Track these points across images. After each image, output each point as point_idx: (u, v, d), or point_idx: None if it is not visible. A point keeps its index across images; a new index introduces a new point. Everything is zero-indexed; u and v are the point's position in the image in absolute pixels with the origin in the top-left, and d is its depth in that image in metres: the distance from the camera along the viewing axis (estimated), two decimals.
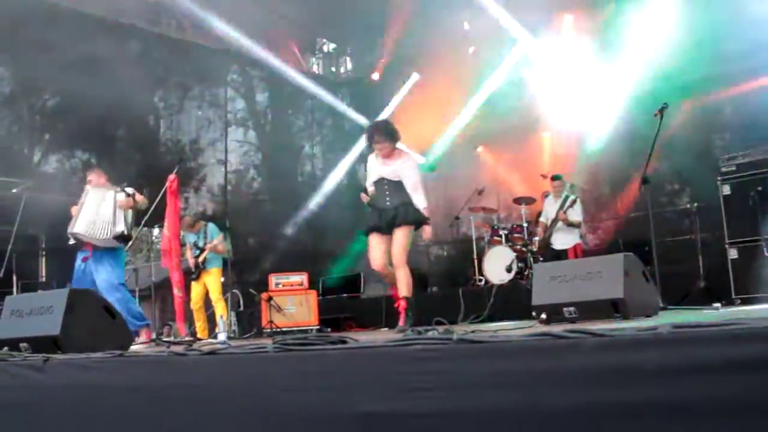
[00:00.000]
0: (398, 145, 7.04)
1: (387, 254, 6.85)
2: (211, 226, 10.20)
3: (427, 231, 6.97)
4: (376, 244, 6.92)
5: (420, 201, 6.85)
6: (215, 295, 9.84)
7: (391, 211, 6.81)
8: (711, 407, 1.81)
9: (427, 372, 2.27)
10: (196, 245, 9.99)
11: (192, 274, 9.86)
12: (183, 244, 9.80)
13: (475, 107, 14.10)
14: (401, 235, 6.76)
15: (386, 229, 6.83)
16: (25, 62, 11.84)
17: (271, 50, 14.82)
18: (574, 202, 9.81)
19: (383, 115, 15.23)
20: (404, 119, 15.35)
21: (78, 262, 7.75)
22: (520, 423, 2.08)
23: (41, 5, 11.48)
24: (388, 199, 6.89)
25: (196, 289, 9.89)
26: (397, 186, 6.88)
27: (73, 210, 7.74)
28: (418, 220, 6.85)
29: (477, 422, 2.16)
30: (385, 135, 6.91)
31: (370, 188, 7.03)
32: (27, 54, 11.61)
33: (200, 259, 9.83)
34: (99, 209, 7.70)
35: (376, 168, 7.04)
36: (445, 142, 14.59)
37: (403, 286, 6.75)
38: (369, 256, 7.02)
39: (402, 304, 6.72)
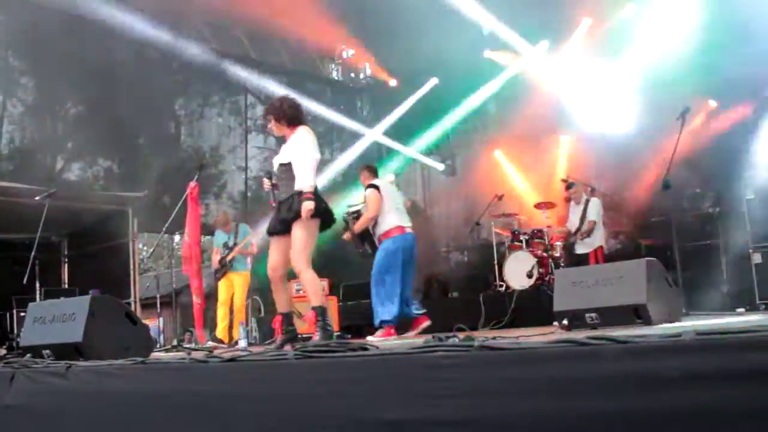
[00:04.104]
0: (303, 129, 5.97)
1: (284, 261, 5.87)
2: (243, 225, 10.04)
3: (304, 207, 5.65)
4: (272, 248, 5.93)
5: (301, 179, 5.72)
6: (240, 302, 9.69)
7: (287, 203, 5.77)
8: (735, 415, 1.78)
9: (449, 379, 2.26)
10: (226, 245, 9.79)
11: (217, 273, 9.67)
12: (204, 250, 9.74)
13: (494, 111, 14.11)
14: (296, 232, 5.68)
15: (281, 228, 5.80)
16: (48, 72, 11.97)
17: (290, 57, 14.90)
18: (587, 202, 9.75)
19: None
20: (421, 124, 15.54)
21: None
22: (543, 430, 2.06)
23: (63, 16, 11.60)
24: (284, 190, 5.83)
25: (226, 287, 9.68)
26: (291, 172, 5.82)
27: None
28: (314, 212, 5.69)
29: (499, 430, 2.14)
30: (272, 111, 6.02)
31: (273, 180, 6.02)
32: (49, 64, 11.74)
33: (228, 258, 9.62)
34: None
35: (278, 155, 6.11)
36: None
37: (310, 294, 5.82)
38: None
39: (310, 316, 5.77)
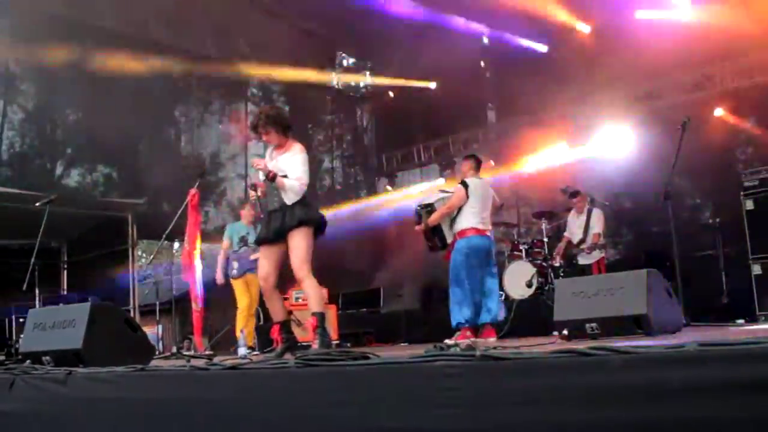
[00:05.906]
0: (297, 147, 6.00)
1: (275, 270, 5.82)
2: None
3: (279, 182, 5.70)
4: (263, 257, 5.93)
5: (291, 195, 5.73)
6: (255, 303, 9.13)
7: (279, 213, 5.75)
8: (738, 425, 1.78)
9: (450, 388, 2.25)
10: (244, 240, 9.18)
11: (234, 270, 9.04)
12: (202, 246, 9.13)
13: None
14: (296, 241, 5.66)
15: (273, 238, 5.76)
16: (48, 78, 11.97)
17: (292, 64, 14.90)
18: (590, 213, 9.70)
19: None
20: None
21: None
22: None
23: (63, 21, 11.61)
24: (276, 199, 5.81)
25: (243, 292, 9.05)
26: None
27: None
28: (312, 219, 5.77)
29: None
30: (271, 122, 5.91)
31: (259, 188, 6.00)
32: (49, 70, 11.74)
33: (254, 257, 8.66)
34: None
35: (267, 163, 6.03)
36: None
37: (311, 300, 5.80)
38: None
39: (312, 322, 5.78)
